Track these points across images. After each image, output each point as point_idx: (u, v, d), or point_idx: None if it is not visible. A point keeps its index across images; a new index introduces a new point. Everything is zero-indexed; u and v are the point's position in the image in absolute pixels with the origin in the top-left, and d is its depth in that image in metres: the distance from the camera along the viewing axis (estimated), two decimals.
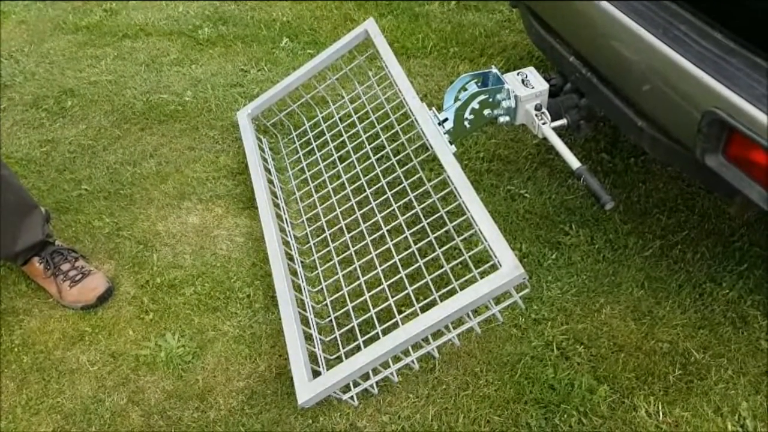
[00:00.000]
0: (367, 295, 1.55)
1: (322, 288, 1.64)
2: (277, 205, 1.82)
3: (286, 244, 1.70)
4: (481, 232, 1.35)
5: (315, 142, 2.04)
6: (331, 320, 1.56)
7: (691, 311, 1.59)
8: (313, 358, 1.45)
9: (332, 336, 1.52)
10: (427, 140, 1.60)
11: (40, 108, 2.37)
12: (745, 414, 1.39)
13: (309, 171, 1.97)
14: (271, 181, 1.90)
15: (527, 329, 1.57)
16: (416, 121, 1.66)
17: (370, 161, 1.84)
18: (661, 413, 1.41)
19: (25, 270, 1.75)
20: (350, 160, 1.89)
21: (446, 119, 1.66)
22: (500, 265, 1.27)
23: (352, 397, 1.41)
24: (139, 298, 1.70)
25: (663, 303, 1.61)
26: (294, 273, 1.63)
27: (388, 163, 1.83)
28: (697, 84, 1.22)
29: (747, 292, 1.62)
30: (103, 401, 1.49)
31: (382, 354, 1.31)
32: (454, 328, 1.40)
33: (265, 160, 1.98)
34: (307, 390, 1.35)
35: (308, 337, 1.48)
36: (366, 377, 1.40)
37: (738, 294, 1.62)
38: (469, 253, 1.54)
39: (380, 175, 1.79)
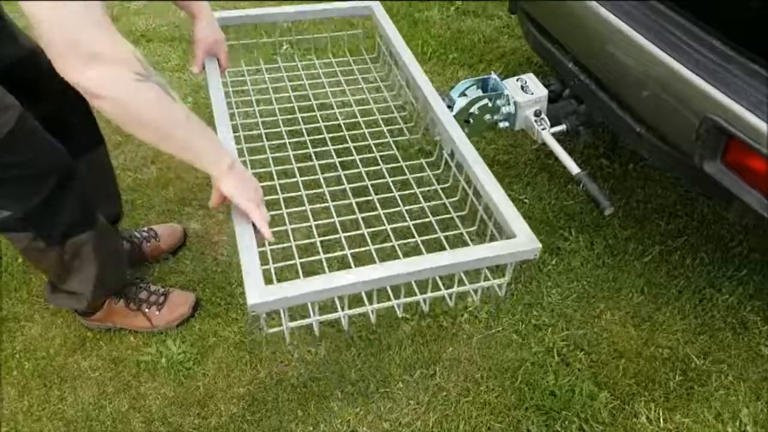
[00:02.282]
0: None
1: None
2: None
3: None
4: (497, 206, 1.26)
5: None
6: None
7: (691, 317, 1.60)
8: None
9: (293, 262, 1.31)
10: (439, 120, 1.50)
11: None
12: (745, 420, 1.40)
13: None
14: None
15: (528, 335, 1.57)
16: (428, 104, 1.55)
17: (367, 161, 1.81)
18: (661, 419, 1.41)
19: (96, 318, 1.61)
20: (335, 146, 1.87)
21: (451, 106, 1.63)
22: (516, 236, 1.19)
23: (311, 328, 1.17)
24: None
25: (663, 309, 1.62)
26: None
27: (386, 165, 1.80)
28: (695, 91, 1.23)
29: (747, 297, 1.62)
30: (104, 407, 1.49)
31: (352, 283, 1.09)
32: (447, 287, 1.20)
33: None
34: (259, 293, 1.11)
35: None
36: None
37: (738, 300, 1.62)
38: (467, 229, 1.42)
39: (385, 172, 1.71)
